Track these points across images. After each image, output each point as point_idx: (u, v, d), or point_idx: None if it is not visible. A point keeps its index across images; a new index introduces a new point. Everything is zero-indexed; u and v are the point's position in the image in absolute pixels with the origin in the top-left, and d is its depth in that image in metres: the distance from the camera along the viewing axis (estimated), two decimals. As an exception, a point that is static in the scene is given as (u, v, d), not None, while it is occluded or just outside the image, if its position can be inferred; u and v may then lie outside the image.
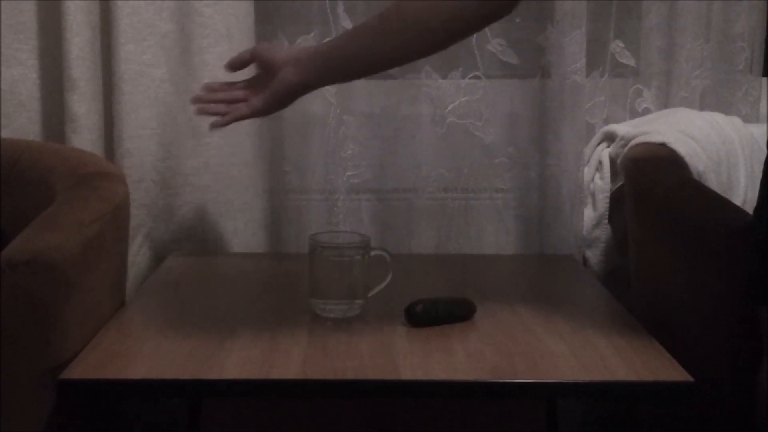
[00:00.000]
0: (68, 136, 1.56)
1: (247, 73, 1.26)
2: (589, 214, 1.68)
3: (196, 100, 1.23)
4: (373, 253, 1.25)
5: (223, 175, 1.61)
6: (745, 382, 1.12)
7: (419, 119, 1.67)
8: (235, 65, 1.24)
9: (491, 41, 1.65)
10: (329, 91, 1.63)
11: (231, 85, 1.24)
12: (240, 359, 1.09)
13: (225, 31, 1.57)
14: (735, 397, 1.14)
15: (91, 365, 1.07)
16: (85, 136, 1.56)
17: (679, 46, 1.69)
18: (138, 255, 1.61)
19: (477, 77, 1.66)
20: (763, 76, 1.77)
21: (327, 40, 1.23)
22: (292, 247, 1.68)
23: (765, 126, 1.70)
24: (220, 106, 1.22)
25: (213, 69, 1.57)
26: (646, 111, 1.72)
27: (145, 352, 1.12)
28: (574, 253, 1.67)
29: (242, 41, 1.59)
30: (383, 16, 1.14)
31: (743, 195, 1.60)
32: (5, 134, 1.59)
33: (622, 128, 1.64)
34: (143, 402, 1.63)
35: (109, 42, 1.56)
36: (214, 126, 1.21)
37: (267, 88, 1.19)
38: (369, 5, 1.63)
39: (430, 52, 1.17)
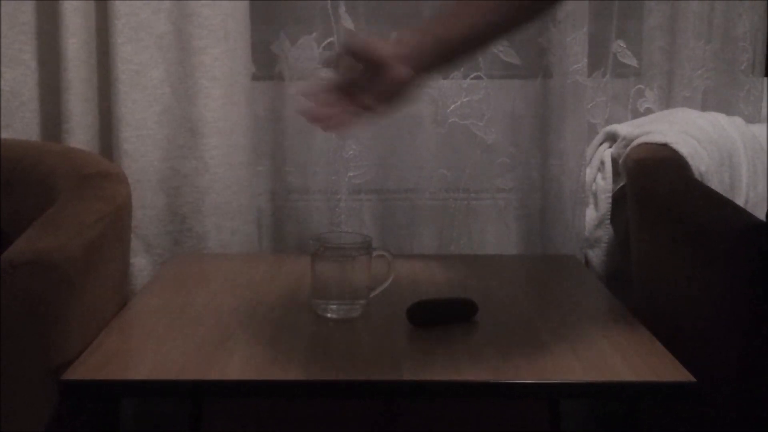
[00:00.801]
0: (64, 137, 1.56)
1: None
2: (591, 215, 1.68)
3: (305, 113, 1.15)
4: (374, 254, 1.25)
5: (222, 176, 1.61)
6: (749, 382, 1.12)
7: (421, 119, 1.67)
8: (332, 63, 1.17)
9: (493, 41, 1.65)
10: (330, 92, 1.63)
11: (329, 85, 1.16)
12: (241, 360, 1.09)
13: (222, 31, 1.57)
14: (738, 398, 1.14)
15: (92, 366, 1.07)
16: (80, 137, 1.56)
17: (681, 47, 1.69)
18: (137, 255, 1.61)
19: (479, 77, 1.66)
20: (765, 76, 1.77)
21: (424, 25, 1.17)
22: (294, 248, 1.68)
23: (766, 126, 1.70)
24: (330, 110, 1.14)
25: (211, 69, 1.57)
26: (648, 111, 1.72)
27: (146, 352, 1.12)
28: (576, 253, 1.67)
29: (239, 42, 1.59)
30: None
31: (745, 195, 1.60)
32: (6, 135, 1.59)
33: (623, 128, 1.64)
34: (145, 402, 1.63)
35: (107, 43, 1.56)
36: (330, 130, 1.16)
37: (378, 87, 1.12)
38: (370, 5, 1.63)
39: (541, 14, 1.16)
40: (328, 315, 1.24)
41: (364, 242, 1.25)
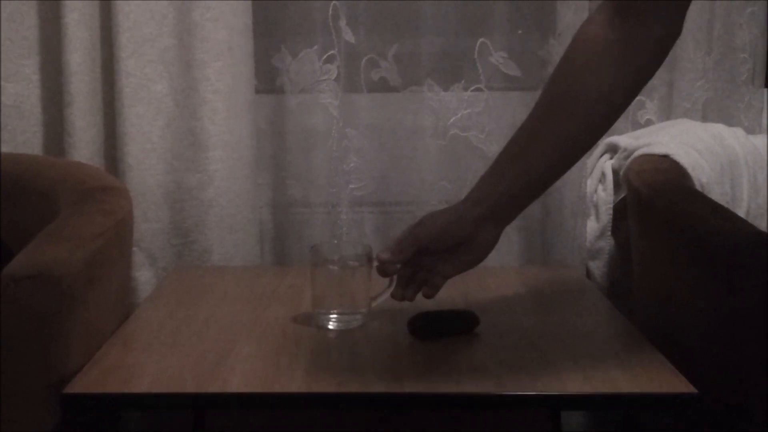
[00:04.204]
0: (67, 151, 1.56)
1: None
2: (592, 226, 1.68)
3: (396, 296, 1.20)
4: (375, 264, 1.25)
5: (225, 189, 1.61)
6: (750, 394, 1.12)
7: (422, 132, 1.67)
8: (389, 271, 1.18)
9: (493, 54, 1.66)
10: (332, 104, 1.63)
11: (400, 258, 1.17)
12: (243, 372, 1.09)
13: (226, 45, 1.57)
14: (739, 409, 1.14)
15: (94, 379, 1.07)
16: (83, 151, 1.56)
17: (681, 58, 1.69)
18: (141, 269, 1.61)
19: (479, 89, 1.66)
20: (766, 87, 1.77)
21: (483, 179, 1.16)
22: (295, 261, 1.68)
23: (767, 137, 1.70)
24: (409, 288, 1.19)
25: (214, 83, 1.57)
26: (649, 122, 1.72)
27: (148, 365, 1.12)
28: (578, 264, 1.67)
29: (242, 55, 1.60)
30: (528, 126, 1.13)
31: (746, 206, 1.60)
32: (8, 148, 1.59)
33: (624, 140, 1.64)
34: (147, 415, 1.63)
35: (110, 56, 1.57)
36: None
37: (456, 256, 1.17)
38: (371, 18, 1.64)
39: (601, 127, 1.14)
40: (329, 326, 1.24)
41: (365, 252, 1.25)
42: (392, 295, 1.20)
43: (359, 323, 1.25)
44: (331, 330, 1.24)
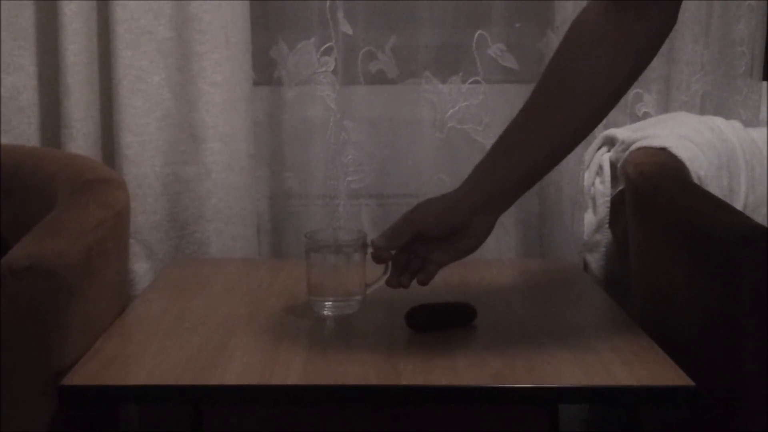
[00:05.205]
0: (64, 143, 1.56)
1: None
2: (589, 219, 1.68)
3: (391, 283, 1.19)
4: (370, 251, 1.25)
5: (223, 181, 1.61)
6: (748, 387, 1.12)
7: (419, 124, 1.67)
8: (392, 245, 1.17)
9: (491, 46, 1.66)
10: (329, 97, 1.63)
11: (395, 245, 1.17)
12: (241, 365, 1.09)
13: (223, 37, 1.57)
14: (737, 403, 1.14)
15: (92, 371, 1.07)
16: (80, 143, 1.56)
17: (678, 51, 1.69)
18: (138, 261, 1.61)
19: (477, 82, 1.66)
20: (764, 80, 1.77)
21: (479, 167, 1.16)
22: (293, 253, 1.68)
23: (765, 130, 1.70)
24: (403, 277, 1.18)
25: (212, 75, 1.57)
26: (647, 115, 1.72)
27: (146, 358, 1.12)
28: (575, 257, 1.67)
29: (240, 47, 1.59)
30: (526, 110, 1.13)
31: (744, 199, 1.60)
32: (5, 140, 1.59)
33: (622, 132, 1.64)
34: (144, 408, 1.63)
35: (107, 48, 1.56)
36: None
37: (451, 244, 1.15)
38: (368, 10, 1.64)
39: (598, 115, 1.14)
40: (325, 312, 1.25)
41: (359, 238, 1.25)
42: (387, 282, 1.19)
43: (354, 309, 1.25)
44: (326, 316, 1.24)
